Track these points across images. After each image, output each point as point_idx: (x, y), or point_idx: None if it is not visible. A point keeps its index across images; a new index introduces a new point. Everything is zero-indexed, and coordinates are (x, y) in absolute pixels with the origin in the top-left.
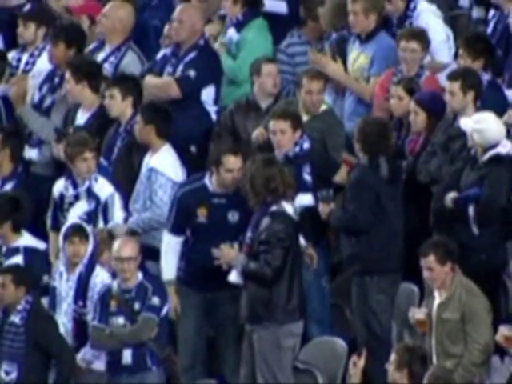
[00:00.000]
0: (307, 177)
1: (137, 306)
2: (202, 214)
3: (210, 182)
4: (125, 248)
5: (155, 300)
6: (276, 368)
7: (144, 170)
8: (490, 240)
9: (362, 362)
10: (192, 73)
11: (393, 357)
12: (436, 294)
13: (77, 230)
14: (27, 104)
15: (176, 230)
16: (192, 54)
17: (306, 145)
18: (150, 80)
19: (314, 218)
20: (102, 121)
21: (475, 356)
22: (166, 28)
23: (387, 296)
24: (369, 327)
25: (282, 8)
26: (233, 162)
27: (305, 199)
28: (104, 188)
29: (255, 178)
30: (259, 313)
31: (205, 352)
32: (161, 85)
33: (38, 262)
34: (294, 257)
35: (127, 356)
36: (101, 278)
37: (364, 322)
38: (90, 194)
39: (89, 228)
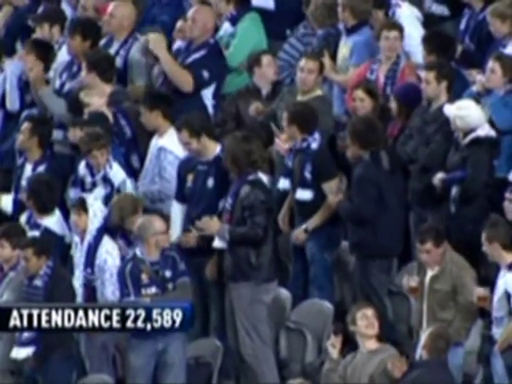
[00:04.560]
0: (308, 175)
1: (168, 273)
2: (189, 180)
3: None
4: (162, 223)
5: (182, 266)
6: (256, 321)
7: (153, 149)
8: (475, 212)
9: (339, 344)
10: (206, 74)
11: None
12: (428, 267)
13: (78, 203)
14: (47, 86)
15: (178, 196)
16: (202, 52)
17: (314, 145)
18: (169, 61)
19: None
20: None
21: (465, 320)
22: (179, 24)
23: (386, 275)
24: (370, 301)
25: (269, 4)
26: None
27: (304, 194)
28: (117, 174)
29: (236, 153)
30: (245, 271)
31: (201, 312)
32: (179, 73)
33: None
34: (274, 220)
35: None
36: (106, 248)
37: (365, 297)
38: (106, 180)
39: (91, 201)
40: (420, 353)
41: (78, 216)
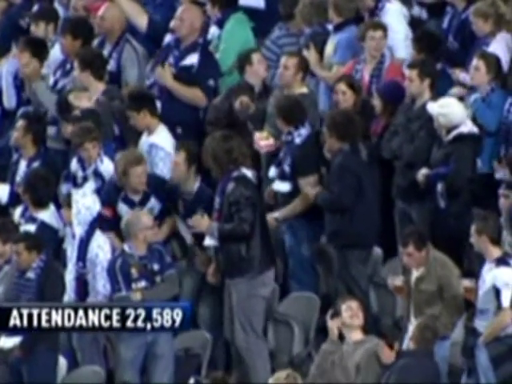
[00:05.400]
0: (287, 168)
1: (156, 267)
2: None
3: None
4: (149, 218)
5: (168, 258)
6: (251, 314)
7: (144, 146)
8: (458, 207)
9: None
10: (211, 82)
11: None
12: (413, 268)
13: (66, 198)
14: (41, 80)
15: None
16: (196, 55)
17: (298, 140)
18: (178, 88)
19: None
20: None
21: (452, 315)
22: (172, 24)
23: (364, 265)
24: (350, 292)
25: (259, 3)
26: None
27: (282, 186)
28: (108, 168)
29: (217, 152)
30: (238, 266)
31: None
32: (190, 95)
33: (46, 238)
34: (261, 213)
35: None
36: (97, 243)
37: (346, 288)
38: (97, 174)
39: (79, 197)
40: (407, 343)
41: (65, 210)
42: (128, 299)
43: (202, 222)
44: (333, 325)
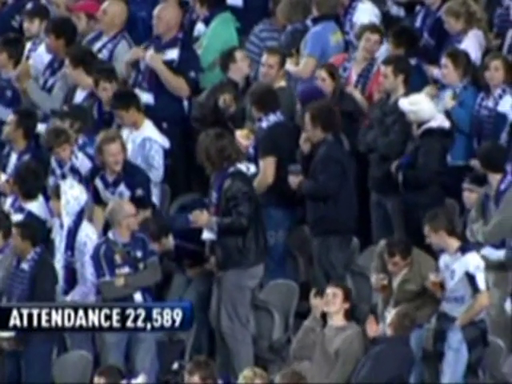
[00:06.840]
0: (251, 149)
1: (139, 254)
2: None
3: None
4: (131, 206)
5: (151, 246)
6: (238, 305)
7: (137, 141)
8: (428, 199)
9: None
10: (193, 74)
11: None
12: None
13: (54, 189)
14: (31, 79)
15: None
16: (176, 50)
17: (264, 124)
18: (166, 73)
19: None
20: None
21: (433, 306)
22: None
23: (344, 252)
24: (328, 277)
25: (237, 1)
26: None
27: (249, 168)
28: (84, 164)
29: (210, 150)
30: (235, 258)
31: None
32: (176, 84)
33: None
34: (256, 206)
35: (139, 297)
36: (85, 232)
37: (324, 273)
38: (74, 171)
39: (66, 187)
40: (385, 329)
41: (54, 201)
42: (112, 284)
43: (201, 216)
44: (316, 303)
